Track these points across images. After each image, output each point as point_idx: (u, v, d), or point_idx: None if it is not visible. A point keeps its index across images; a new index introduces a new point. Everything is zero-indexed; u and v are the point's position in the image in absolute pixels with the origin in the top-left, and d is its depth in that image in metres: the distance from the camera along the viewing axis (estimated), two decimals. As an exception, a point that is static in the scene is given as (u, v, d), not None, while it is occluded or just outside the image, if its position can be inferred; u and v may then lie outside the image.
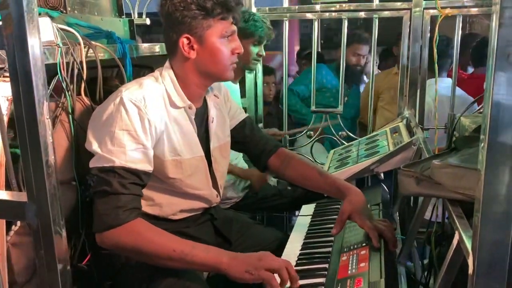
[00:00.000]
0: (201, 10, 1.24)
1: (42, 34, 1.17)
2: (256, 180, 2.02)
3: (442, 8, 1.55)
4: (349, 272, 1.13)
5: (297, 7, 2.35)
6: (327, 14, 2.30)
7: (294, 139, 2.61)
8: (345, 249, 1.27)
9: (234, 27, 1.33)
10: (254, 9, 2.31)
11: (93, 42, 1.40)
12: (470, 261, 0.72)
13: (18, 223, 1.20)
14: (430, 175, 1.02)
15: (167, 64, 1.35)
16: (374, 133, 2.22)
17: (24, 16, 0.74)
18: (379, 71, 3.68)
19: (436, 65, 1.28)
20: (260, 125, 2.53)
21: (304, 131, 2.49)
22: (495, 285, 0.68)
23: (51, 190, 0.82)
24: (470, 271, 0.71)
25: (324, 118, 2.44)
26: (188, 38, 1.27)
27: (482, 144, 0.65)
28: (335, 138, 2.47)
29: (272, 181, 2.13)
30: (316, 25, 2.30)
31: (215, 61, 1.30)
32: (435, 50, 1.26)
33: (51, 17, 1.39)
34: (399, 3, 2.17)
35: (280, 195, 2.06)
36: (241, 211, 2.04)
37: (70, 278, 0.92)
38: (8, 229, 1.23)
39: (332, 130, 2.44)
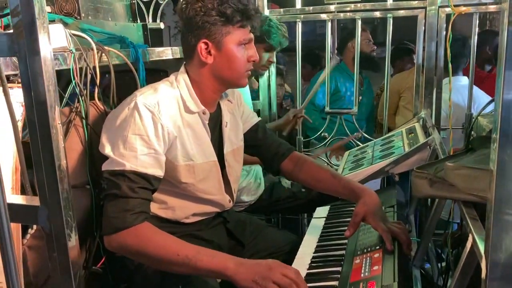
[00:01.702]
0: (221, 16, 1.25)
1: (55, 40, 1.20)
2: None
3: (456, 6, 1.52)
4: (362, 275, 1.11)
5: (311, 8, 2.33)
6: (341, 14, 2.28)
7: (309, 144, 2.59)
8: (359, 252, 1.25)
9: (252, 35, 1.34)
10: (266, 11, 2.31)
11: (106, 47, 1.42)
12: (483, 264, 0.71)
13: (35, 226, 1.22)
14: (444, 177, 1.01)
15: (182, 69, 1.36)
16: (390, 133, 2.19)
17: (35, 23, 0.76)
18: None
19: (450, 64, 1.26)
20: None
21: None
22: (509, 289, 0.67)
23: (63, 194, 0.83)
24: (483, 274, 0.70)
25: (338, 120, 2.42)
26: (206, 43, 1.27)
27: (494, 144, 0.64)
28: (350, 140, 2.44)
29: (286, 183, 2.12)
30: (329, 26, 2.29)
31: (231, 67, 1.31)
32: (448, 49, 1.24)
33: (65, 24, 1.42)
34: (414, 2, 2.15)
35: (295, 197, 2.05)
36: (255, 214, 2.04)
37: (83, 281, 0.93)
38: (25, 232, 1.25)
39: (347, 131, 2.42)
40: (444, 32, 2.05)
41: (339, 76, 3.00)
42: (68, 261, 0.85)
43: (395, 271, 1.07)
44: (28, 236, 1.26)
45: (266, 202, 2.05)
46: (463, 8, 1.47)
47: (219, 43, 1.27)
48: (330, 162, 2.52)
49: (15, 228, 1.16)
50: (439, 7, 2.05)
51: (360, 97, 3.02)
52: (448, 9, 2.03)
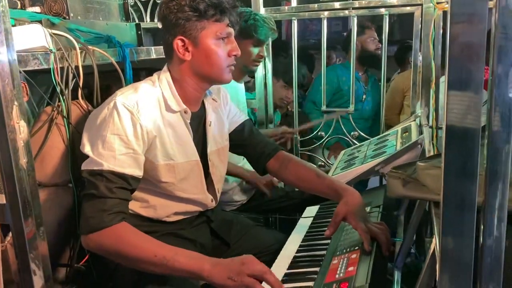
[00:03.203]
0: (195, 11, 1.25)
1: (34, 40, 1.21)
2: (265, 185, 1.99)
3: (438, 3, 1.50)
4: (337, 276, 1.10)
5: (316, 5, 2.29)
6: (337, 12, 2.26)
7: (310, 142, 2.57)
8: (338, 253, 1.24)
9: (230, 29, 1.32)
10: (262, 10, 2.29)
11: (90, 47, 1.42)
12: (438, 267, 0.68)
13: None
14: (417, 177, 0.98)
15: (165, 67, 1.36)
16: (386, 132, 2.16)
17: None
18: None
19: (433, 63, 1.23)
20: (271, 125, 2.51)
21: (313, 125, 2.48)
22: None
23: (23, 194, 0.84)
24: (437, 277, 0.68)
25: (335, 119, 2.40)
26: (182, 40, 1.27)
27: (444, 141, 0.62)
28: (347, 139, 2.42)
29: (280, 183, 2.11)
30: (325, 23, 2.26)
31: (210, 62, 1.30)
32: (431, 47, 1.21)
33: (52, 24, 1.43)
34: (410, -1, 2.11)
35: (288, 196, 2.04)
36: (248, 213, 2.03)
37: (51, 279, 0.94)
38: (9, 229, 1.27)
39: (344, 130, 2.40)
40: (442, 30, 2.01)
41: (342, 74, 2.97)
42: (28, 261, 0.85)
43: (369, 272, 1.05)
44: (10, 233, 1.27)
45: (259, 201, 2.04)
46: (446, 5, 1.43)
47: (195, 39, 1.27)
48: (328, 162, 2.49)
49: (-7, 226, 1.18)
50: (437, 3, 2.00)
51: (365, 96, 2.98)
52: (445, 6, 1.99)
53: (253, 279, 1.06)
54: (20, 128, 0.82)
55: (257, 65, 2.08)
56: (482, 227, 0.65)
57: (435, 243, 0.81)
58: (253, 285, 1.05)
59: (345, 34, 4.44)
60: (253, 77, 2.45)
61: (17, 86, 0.83)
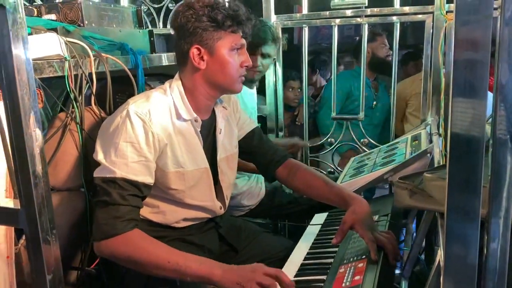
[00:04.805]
0: (212, 22, 1.27)
1: (49, 48, 1.24)
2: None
3: (448, 12, 1.50)
4: (343, 285, 1.10)
5: (327, 12, 2.29)
6: (352, 20, 2.26)
7: (321, 147, 2.58)
8: (345, 261, 1.24)
9: (244, 41, 1.35)
10: (273, 17, 2.31)
11: (104, 54, 1.45)
12: (442, 278, 0.69)
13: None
14: (424, 188, 0.99)
15: (176, 76, 1.38)
16: (396, 140, 2.16)
17: (9, 35, 0.79)
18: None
19: (442, 72, 1.23)
20: (281, 134, 2.52)
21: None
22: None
23: (38, 199, 0.86)
24: (441, 288, 0.69)
25: (345, 125, 2.40)
26: (198, 49, 1.29)
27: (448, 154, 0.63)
28: (357, 145, 2.42)
29: (288, 188, 2.12)
30: (336, 31, 2.27)
31: (224, 72, 1.32)
32: (440, 56, 1.21)
33: (67, 31, 1.46)
34: (421, 7, 2.11)
35: (296, 202, 2.04)
36: (256, 218, 2.04)
37: (62, 282, 0.96)
38: (22, 232, 1.30)
39: (354, 137, 2.40)
40: (453, 38, 2.01)
41: (354, 80, 2.97)
42: (43, 264, 0.88)
43: (375, 281, 1.06)
44: (24, 236, 1.30)
45: (267, 207, 2.05)
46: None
47: (211, 48, 1.29)
48: (338, 168, 2.50)
49: (8, 229, 1.21)
50: (447, 12, 2.00)
51: (375, 102, 2.98)
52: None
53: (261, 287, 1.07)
54: (36, 136, 0.85)
55: (248, 74, 1.87)
56: (486, 239, 0.66)
57: (440, 254, 0.81)
58: None
59: (357, 38, 4.45)
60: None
61: (33, 94, 0.85)
